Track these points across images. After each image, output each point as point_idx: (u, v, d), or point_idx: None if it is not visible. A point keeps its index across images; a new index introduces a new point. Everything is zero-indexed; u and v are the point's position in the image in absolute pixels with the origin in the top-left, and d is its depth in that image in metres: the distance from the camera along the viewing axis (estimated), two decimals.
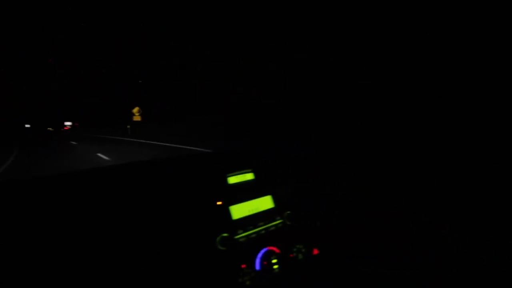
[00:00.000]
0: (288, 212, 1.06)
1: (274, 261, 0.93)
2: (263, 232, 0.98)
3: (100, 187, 0.84)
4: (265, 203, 1.04)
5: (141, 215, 0.81)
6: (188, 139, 11.41)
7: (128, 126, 20.32)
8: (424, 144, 1.46)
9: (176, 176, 0.96)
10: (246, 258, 0.91)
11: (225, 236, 0.88)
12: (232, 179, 1.02)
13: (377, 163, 1.27)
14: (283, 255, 0.97)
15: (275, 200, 1.07)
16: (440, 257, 0.96)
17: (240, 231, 0.93)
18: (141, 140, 14.22)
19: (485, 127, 1.39)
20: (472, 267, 0.92)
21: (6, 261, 0.63)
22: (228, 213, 0.95)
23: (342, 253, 1.06)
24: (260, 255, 0.93)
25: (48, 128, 54.45)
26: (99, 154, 9.19)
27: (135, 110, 20.49)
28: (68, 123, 54.07)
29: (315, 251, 1.05)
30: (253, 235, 0.96)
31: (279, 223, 1.03)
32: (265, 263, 0.92)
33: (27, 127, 56.10)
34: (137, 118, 20.57)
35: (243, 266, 0.89)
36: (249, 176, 1.06)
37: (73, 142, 16.05)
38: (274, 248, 0.96)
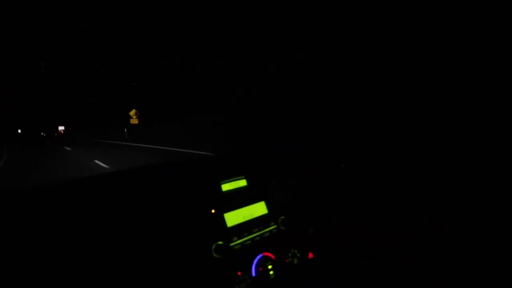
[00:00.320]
0: (282, 217, 1.06)
1: (269, 267, 0.93)
2: (257, 238, 0.98)
3: (94, 196, 0.83)
4: (258, 209, 1.05)
5: (136, 225, 0.81)
6: (188, 140, 11.39)
7: (126, 130, 20.20)
8: (424, 144, 1.46)
9: (170, 184, 0.96)
10: (241, 265, 0.91)
11: (220, 244, 0.88)
12: (226, 186, 1.02)
13: (377, 163, 1.27)
14: (278, 260, 0.97)
15: (268, 206, 1.07)
16: (440, 257, 0.96)
17: (235, 238, 0.94)
18: (140, 144, 14.17)
19: (485, 127, 1.39)
20: (472, 267, 0.92)
21: (7, 268, 0.64)
22: (223, 221, 0.95)
23: (342, 253, 1.06)
24: (255, 261, 0.93)
25: (42, 133, 53.72)
26: (97, 161, 9.12)
27: (132, 112, 20.23)
28: (61, 128, 52.74)
29: (310, 255, 1.05)
30: (248, 242, 0.96)
31: (273, 228, 1.03)
32: (260, 269, 0.92)
33: (19, 133, 55.34)
34: (134, 121, 20.32)
35: (239, 273, 0.89)
36: (242, 183, 1.06)
37: (67, 148, 15.87)
38: (269, 254, 0.96)
